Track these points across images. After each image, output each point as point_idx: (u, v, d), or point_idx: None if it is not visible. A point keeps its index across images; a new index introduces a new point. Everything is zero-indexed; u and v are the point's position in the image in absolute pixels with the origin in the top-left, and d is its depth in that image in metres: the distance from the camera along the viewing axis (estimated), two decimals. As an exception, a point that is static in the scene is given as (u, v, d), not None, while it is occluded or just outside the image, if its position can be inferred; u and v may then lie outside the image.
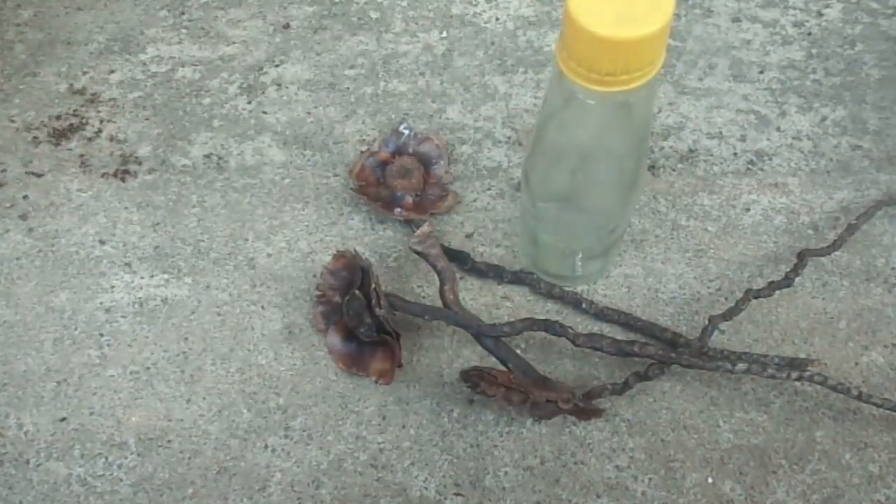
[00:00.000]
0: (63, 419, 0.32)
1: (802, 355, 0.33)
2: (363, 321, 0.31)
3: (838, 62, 0.41)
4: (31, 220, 0.37)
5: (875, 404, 0.30)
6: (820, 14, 0.43)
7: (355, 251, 0.33)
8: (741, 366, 0.30)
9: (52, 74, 0.42)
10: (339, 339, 0.33)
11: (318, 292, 0.34)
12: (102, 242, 0.37)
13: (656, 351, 0.30)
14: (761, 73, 0.41)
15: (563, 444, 0.31)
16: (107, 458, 0.31)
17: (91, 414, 0.32)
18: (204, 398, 0.33)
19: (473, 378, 0.30)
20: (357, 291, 0.31)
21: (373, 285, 0.31)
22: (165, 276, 0.35)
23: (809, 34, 0.42)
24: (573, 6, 0.22)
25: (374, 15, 0.44)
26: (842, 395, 0.31)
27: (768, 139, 0.39)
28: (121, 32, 0.43)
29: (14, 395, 0.33)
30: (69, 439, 0.32)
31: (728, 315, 0.32)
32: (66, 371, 0.33)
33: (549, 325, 0.30)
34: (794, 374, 0.30)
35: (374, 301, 0.31)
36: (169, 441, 0.32)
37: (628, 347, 0.30)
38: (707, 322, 0.31)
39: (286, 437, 0.32)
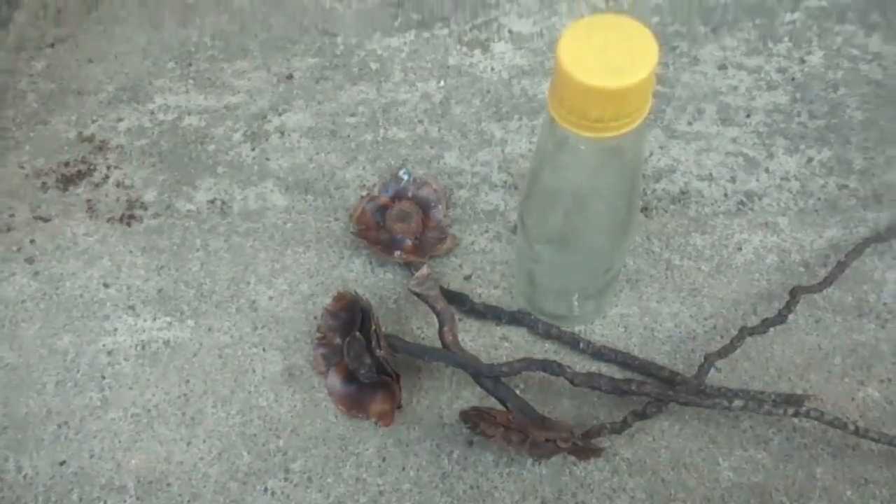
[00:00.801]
0: (62, 462, 0.32)
1: (799, 391, 0.33)
2: (363, 362, 0.32)
3: (822, 105, 0.43)
4: (37, 263, 0.38)
5: (873, 439, 0.30)
6: (802, 60, 0.45)
7: (355, 293, 0.34)
8: (738, 402, 0.30)
9: (62, 122, 0.43)
10: (340, 381, 0.33)
11: (318, 334, 0.34)
12: (107, 286, 0.37)
13: (654, 389, 0.31)
14: (748, 116, 0.42)
15: (563, 484, 0.31)
16: (105, 503, 0.31)
17: (91, 457, 0.32)
18: (204, 441, 0.33)
19: (473, 418, 0.30)
20: (358, 333, 0.32)
21: (373, 326, 0.31)
22: (168, 319, 0.36)
23: (793, 79, 0.44)
24: (564, 57, 0.23)
25: (373, 66, 0.45)
26: (840, 431, 0.31)
27: (757, 180, 0.40)
28: (129, 83, 0.45)
29: (14, 437, 0.33)
30: (68, 483, 0.32)
31: (723, 352, 0.32)
32: (67, 413, 0.33)
33: (547, 365, 0.31)
34: (791, 410, 0.30)
35: (374, 342, 0.31)
36: (168, 484, 0.31)
37: (626, 386, 0.31)
38: (703, 360, 0.32)
39: (286, 479, 0.32)
